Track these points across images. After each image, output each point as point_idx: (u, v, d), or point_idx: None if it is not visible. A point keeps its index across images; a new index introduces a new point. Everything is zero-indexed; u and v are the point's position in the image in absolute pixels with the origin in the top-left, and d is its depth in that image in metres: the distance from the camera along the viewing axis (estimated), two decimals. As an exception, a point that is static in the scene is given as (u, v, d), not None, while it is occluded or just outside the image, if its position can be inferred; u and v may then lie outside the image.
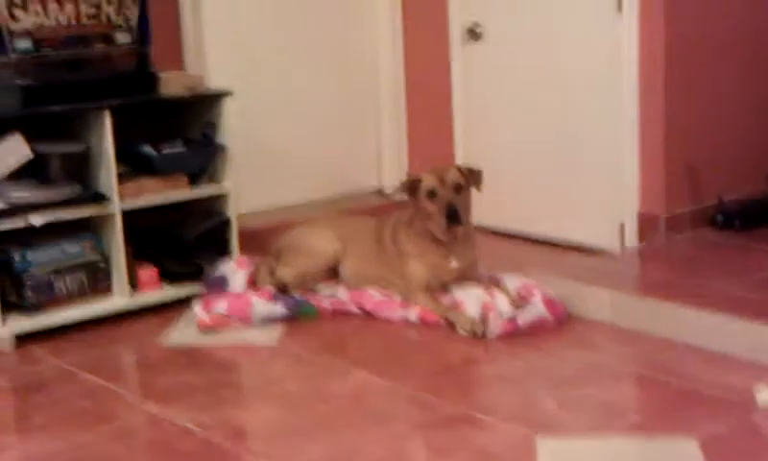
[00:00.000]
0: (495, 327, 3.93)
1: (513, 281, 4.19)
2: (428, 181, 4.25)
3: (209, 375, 3.76)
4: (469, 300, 4.12)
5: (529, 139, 5.19)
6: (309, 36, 5.61)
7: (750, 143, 5.13)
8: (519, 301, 4.07)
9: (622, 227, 4.81)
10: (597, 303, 4.08)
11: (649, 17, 4.66)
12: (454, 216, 4.19)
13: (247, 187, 4.97)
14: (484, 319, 3.98)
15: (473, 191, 4.32)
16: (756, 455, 2.87)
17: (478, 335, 3.94)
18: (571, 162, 4.99)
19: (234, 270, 4.52)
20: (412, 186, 4.31)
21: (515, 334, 3.92)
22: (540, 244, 5.05)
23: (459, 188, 4.24)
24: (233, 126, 4.70)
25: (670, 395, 3.34)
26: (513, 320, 3.96)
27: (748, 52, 5.07)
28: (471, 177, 4.31)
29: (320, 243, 4.52)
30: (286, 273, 4.45)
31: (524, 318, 3.97)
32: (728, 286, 4.05)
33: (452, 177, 4.25)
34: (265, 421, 3.35)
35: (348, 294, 4.39)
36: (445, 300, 4.21)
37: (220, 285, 4.45)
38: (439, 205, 4.21)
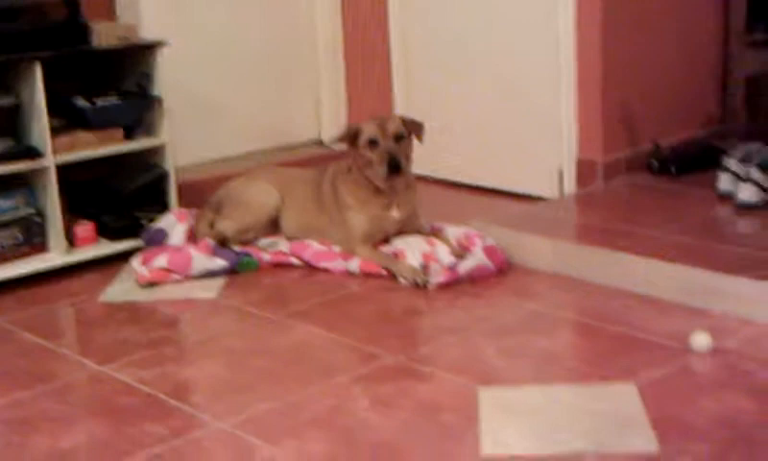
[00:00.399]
0: (436, 276, 3.95)
1: (454, 231, 4.21)
2: (369, 130, 4.23)
3: (150, 330, 3.73)
4: (410, 249, 4.13)
5: (467, 88, 5.19)
6: (245, -17, 5.53)
7: (686, 87, 5.18)
8: (460, 250, 4.09)
9: (561, 174, 4.85)
10: (537, 251, 4.11)
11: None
12: (395, 165, 4.18)
13: (184, 140, 4.91)
14: (425, 268, 3.99)
15: (414, 142, 4.31)
16: (692, 398, 2.93)
17: (419, 284, 3.95)
18: (510, 110, 5.01)
19: (173, 223, 4.48)
20: (352, 135, 4.29)
21: (455, 283, 3.95)
22: (480, 193, 5.08)
23: (400, 138, 4.23)
24: (169, 77, 4.62)
25: (609, 341, 3.39)
26: (453, 269, 3.98)
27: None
28: (413, 127, 4.30)
29: (259, 196, 4.49)
30: (226, 226, 4.42)
31: (465, 267, 3.99)
32: (663, 232, 4.10)
33: (393, 126, 4.24)
34: (208, 376, 3.33)
35: (289, 245, 4.38)
36: (386, 250, 4.21)
37: (159, 239, 4.40)
38: (379, 154, 4.19)
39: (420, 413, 2.93)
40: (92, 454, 2.82)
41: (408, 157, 4.29)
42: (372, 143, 4.21)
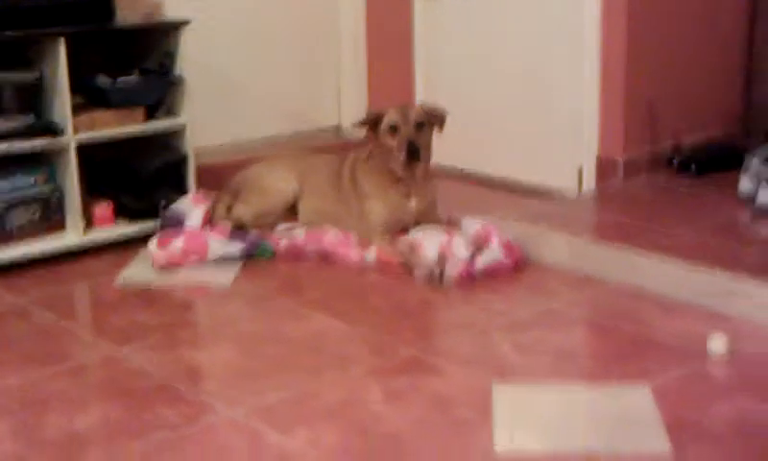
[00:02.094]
0: (453, 270, 3.93)
1: (471, 224, 4.19)
2: (391, 116, 4.21)
3: (165, 314, 3.73)
4: (428, 241, 4.11)
5: (489, 81, 5.16)
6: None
7: (710, 85, 5.14)
8: (477, 244, 4.07)
9: (581, 170, 4.82)
10: (554, 247, 4.09)
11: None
12: (414, 152, 4.17)
13: (204, 121, 4.89)
14: (441, 262, 3.98)
15: (435, 132, 4.30)
16: (707, 401, 2.91)
17: (435, 278, 3.94)
18: (532, 104, 4.98)
19: (191, 206, 4.47)
20: (374, 120, 4.28)
21: (472, 278, 3.93)
22: (499, 187, 5.05)
23: (421, 126, 4.22)
24: (191, 58, 4.62)
25: (625, 341, 3.37)
26: (470, 263, 3.96)
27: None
28: (434, 116, 4.28)
29: (278, 183, 4.48)
30: (244, 212, 4.41)
31: (481, 261, 3.97)
32: (683, 232, 4.07)
33: (415, 114, 4.22)
34: (221, 362, 3.33)
35: (305, 234, 4.37)
36: (404, 240, 4.20)
37: (176, 222, 4.40)
38: (399, 140, 4.18)
39: (433, 407, 2.93)
40: (105, 437, 2.83)
41: (428, 147, 4.27)
42: (393, 129, 4.20)
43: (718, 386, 3.07)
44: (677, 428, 2.74)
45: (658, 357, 3.21)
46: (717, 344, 3.20)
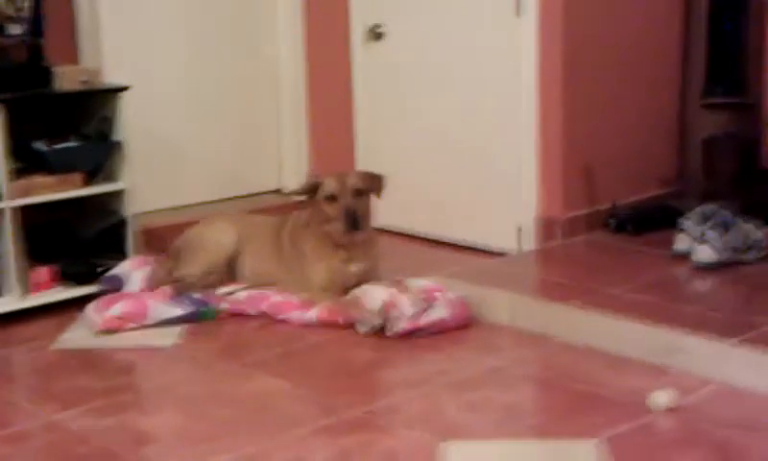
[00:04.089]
0: (397, 325, 3.93)
1: (416, 283, 4.20)
2: (329, 185, 4.24)
3: (107, 378, 3.67)
4: (371, 295, 4.09)
5: (430, 142, 5.23)
6: (210, 32, 5.55)
7: (645, 149, 5.25)
8: (423, 302, 4.07)
9: (520, 230, 4.88)
10: (497, 305, 4.12)
11: (547, 21, 4.73)
12: (353, 221, 4.19)
13: (146, 186, 4.86)
14: (383, 313, 3.97)
15: (374, 197, 4.33)
16: (653, 455, 2.94)
17: (376, 328, 3.93)
18: (472, 165, 5.05)
19: (130, 270, 4.43)
20: (312, 189, 4.30)
21: (417, 336, 3.93)
22: (441, 247, 5.09)
23: (359, 193, 4.24)
24: (131, 122, 4.61)
25: (570, 397, 3.39)
26: (415, 320, 3.96)
27: (646, 59, 5.19)
28: (372, 182, 4.31)
29: (217, 236, 4.48)
30: (186, 271, 4.38)
31: (427, 318, 3.97)
32: (622, 290, 4.13)
33: (353, 181, 4.25)
34: (166, 426, 3.27)
35: (247, 295, 4.34)
36: (348, 296, 4.19)
37: (116, 286, 4.35)
38: (338, 209, 4.20)
39: (381, 467, 2.91)
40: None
41: (367, 213, 4.30)
42: (331, 198, 4.22)
43: (663, 440, 3.09)
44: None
45: (604, 413, 3.23)
46: (660, 399, 3.24)
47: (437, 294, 4.09)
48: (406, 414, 3.30)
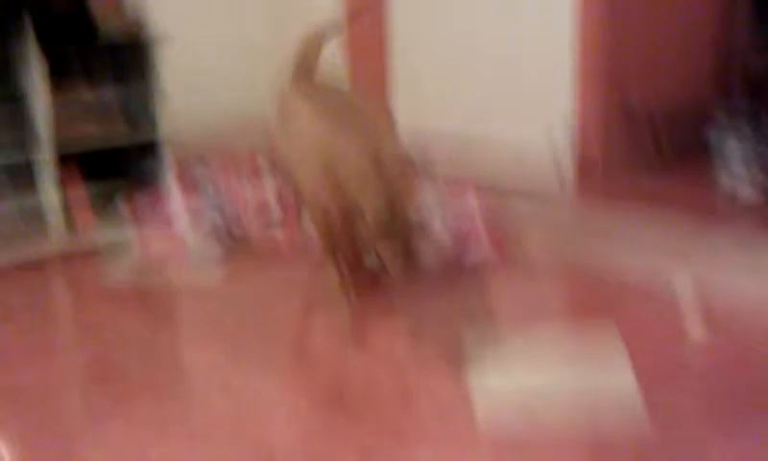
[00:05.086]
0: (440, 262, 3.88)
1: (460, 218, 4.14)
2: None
3: (151, 315, 3.72)
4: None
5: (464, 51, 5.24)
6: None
7: (682, 63, 5.18)
8: (466, 237, 4.02)
9: (561, 166, 4.84)
10: (539, 240, 4.11)
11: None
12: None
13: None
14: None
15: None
16: (672, 341, 3.04)
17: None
18: (507, 76, 5.06)
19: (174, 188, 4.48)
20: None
21: (460, 269, 3.90)
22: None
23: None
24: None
25: (592, 284, 3.50)
26: (460, 255, 3.91)
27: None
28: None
29: None
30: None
31: (471, 255, 3.95)
32: (661, 227, 4.10)
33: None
34: (209, 360, 3.31)
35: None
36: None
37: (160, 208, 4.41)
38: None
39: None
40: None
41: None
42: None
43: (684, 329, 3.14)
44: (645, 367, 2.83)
45: (625, 299, 3.31)
46: (682, 285, 3.28)
47: (480, 229, 4.03)
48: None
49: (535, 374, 2.98)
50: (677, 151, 4.89)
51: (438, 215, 4.03)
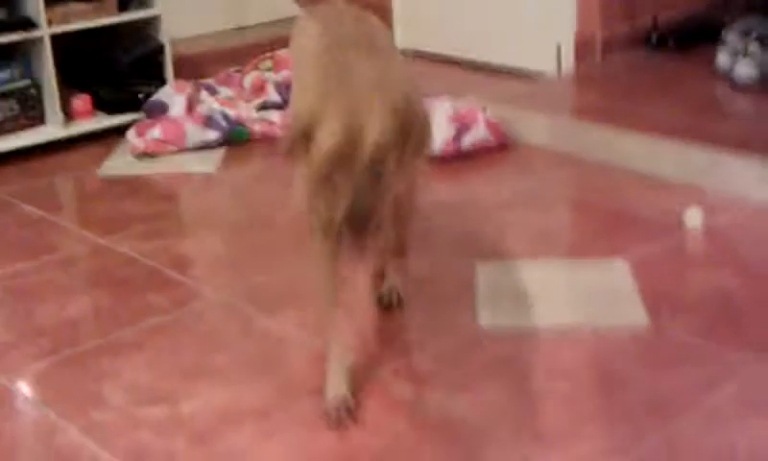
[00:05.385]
0: (440, 145, 3.91)
1: (455, 104, 4.15)
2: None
3: (148, 204, 3.76)
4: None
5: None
6: None
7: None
8: (463, 123, 4.02)
9: (559, 49, 4.81)
10: (535, 127, 4.11)
11: None
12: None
13: (178, 12, 4.84)
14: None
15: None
16: (683, 274, 2.98)
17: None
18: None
19: (173, 94, 4.45)
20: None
21: (457, 157, 3.94)
22: (478, 69, 5.04)
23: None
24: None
25: (604, 218, 3.42)
26: (456, 141, 3.95)
27: None
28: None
29: None
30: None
31: (468, 140, 3.97)
32: (660, 109, 4.09)
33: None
34: (206, 249, 3.37)
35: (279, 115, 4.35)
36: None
37: (159, 110, 4.38)
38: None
39: (417, 285, 2.98)
40: (98, 323, 2.88)
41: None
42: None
43: (694, 259, 3.13)
44: (654, 300, 2.81)
45: (636, 232, 3.26)
46: (693, 217, 3.26)
47: (477, 114, 4.05)
48: (444, 235, 3.35)
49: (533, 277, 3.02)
50: (678, 35, 4.83)
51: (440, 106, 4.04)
